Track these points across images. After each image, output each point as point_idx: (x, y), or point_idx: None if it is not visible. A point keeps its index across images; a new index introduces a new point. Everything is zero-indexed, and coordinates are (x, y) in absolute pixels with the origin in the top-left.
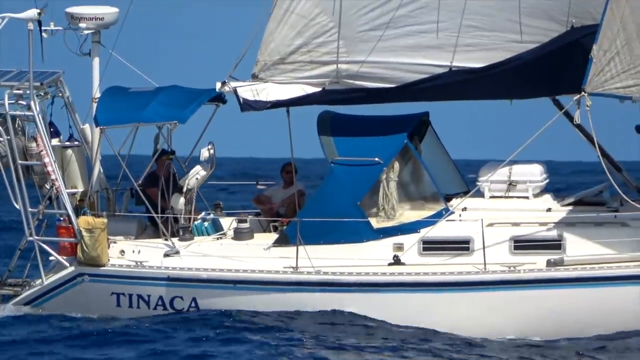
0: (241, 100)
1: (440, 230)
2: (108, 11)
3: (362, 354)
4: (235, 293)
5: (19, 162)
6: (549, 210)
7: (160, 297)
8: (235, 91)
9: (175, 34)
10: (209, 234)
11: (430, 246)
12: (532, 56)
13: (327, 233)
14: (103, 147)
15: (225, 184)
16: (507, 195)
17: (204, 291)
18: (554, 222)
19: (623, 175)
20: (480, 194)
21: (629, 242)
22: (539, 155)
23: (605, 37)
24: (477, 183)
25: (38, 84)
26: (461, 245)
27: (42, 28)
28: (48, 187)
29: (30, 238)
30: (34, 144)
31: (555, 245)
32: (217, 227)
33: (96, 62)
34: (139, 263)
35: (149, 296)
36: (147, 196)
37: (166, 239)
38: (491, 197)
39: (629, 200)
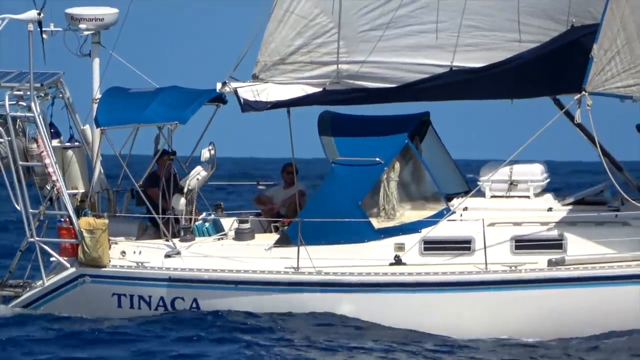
0: (242, 100)
1: (442, 230)
2: (108, 12)
3: (352, 355)
4: (237, 294)
5: (20, 163)
6: (550, 209)
7: (162, 298)
8: (235, 92)
9: (175, 34)
10: (209, 235)
11: (432, 246)
12: (532, 56)
13: (328, 233)
14: (103, 147)
15: (221, 184)
16: (508, 194)
17: (205, 292)
18: (555, 222)
19: (624, 175)
20: (481, 193)
21: (630, 242)
22: (538, 155)
23: (606, 37)
24: (478, 183)
25: (38, 85)
26: (462, 245)
27: (43, 29)
28: (49, 188)
29: (31, 239)
30: (34, 145)
31: (556, 244)
32: (218, 228)
33: (96, 62)
34: (140, 264)
35: (150, 297)
36: (148, 197)
37: (167, 240)
38: (492, 196)
39: (630, 200)
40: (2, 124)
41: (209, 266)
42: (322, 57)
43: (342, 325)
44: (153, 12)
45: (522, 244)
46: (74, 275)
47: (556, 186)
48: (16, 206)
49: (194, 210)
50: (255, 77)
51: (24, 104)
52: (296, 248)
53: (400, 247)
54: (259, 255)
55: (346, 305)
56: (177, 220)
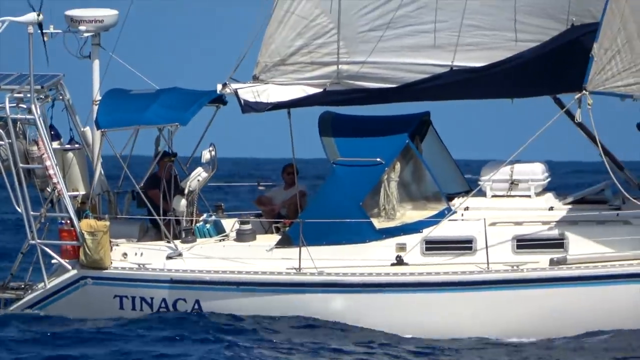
0: (242, 102)
1: (443, 230)
2: (108, 13)
3: (335, 357)
4: (239, 295)
5: (21, 165)
6: (551, 209)
7: (164, 300)
8: (236, 93)
9: (175, 35)
10: (211, 236)
11: (433, 246)
12: (532, 55)
13: (329, 234)
14: (103, 148)
15: (221, 184)
16: (509, 194)
17: (207, 293)
18: (556, 221)
19: (625, 174)
20: (482, 193)
21: (631, 240)
22: (537, 155)
23: (606, 36)
24: (479, 182)
25: (39, 87)
26: (464, 245)
27: (43, 31)
28: (49, 190)
29: (33, 241)
30: (35, 148)
31: (557, 244)
32: (219, 229)
33: (96, 64)
34: (141, 265)
35: (152, 299)
36: (148, 198)
37: (169, 241)
38: (493, 196)
39: (631, 198)
40: (2, 127)
41: (211, 267)
42: (322, 58)
43: (326, 327)
44: (153, 13)
45: (524, 244)
46: (76, 277)
47: (553, 186)
48: (17, 208)
49: (194, 212)
50: (255, 78)
51: (24, 106)
52: (297, 249)
53: (401, 247)
54: (261, 256)
55: (348, 305)
56: (178, 222)
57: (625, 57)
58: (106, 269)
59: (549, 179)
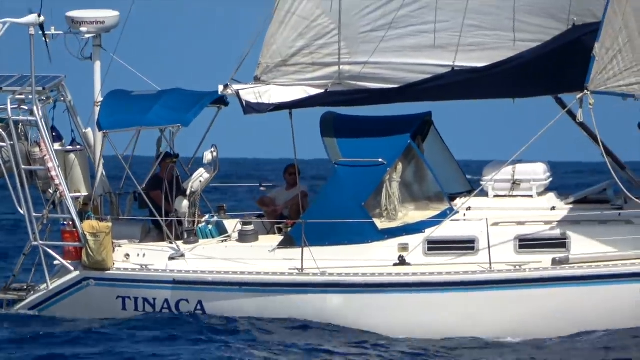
0: (244, 103)
1: (445, 230)
2: (109, 15)
3: (326, 358)
4: (241, 295)
5: (23, 167)
6: (553, 208)
7: (166, 300)
8: (237, 94)
9: (176, 36)
10: (213, 237)
11: (435, 246)
12: (534, 55)
13: (331, 234)
14: (105, 149)
15: (223, 185)
16: (511, 194)
17: (210, 294)
18: (558, 221)
19: (627, 173)
20: (484, 193)
21: (633, 240)
22: (537, 155)
23: (607, 35)
24: (481, 182)
25: (40, 88)
26: (466, 245)
27: (45, 32)
28: (51, 191)
29: (35, 243)
30: (37, 149)
31: (560, 243)
32: (221, 230)
33: (97, 65)
34: (144, 266)
35: (154, 299)
36: (150, 199)
37: (171, 242)
38: (495, 196)
39: (633, 198)
40: (4, 128)
41: (213, 268)
42: (324, 59)
43: (319, 328)
44: (154, 14)
45: (526, 243)
46: (78, 278)
47: (553, 187)
48: (19, 210)
49: (196, 213)
50: (257, 79)
51: (26, 107)
52: (300, 249)
53: (404, 247)
54: (263, 256)
55: (350, 306)
56: (180, 223)
57: (626, 57)
58: (109, 270)
59: (550, 179)
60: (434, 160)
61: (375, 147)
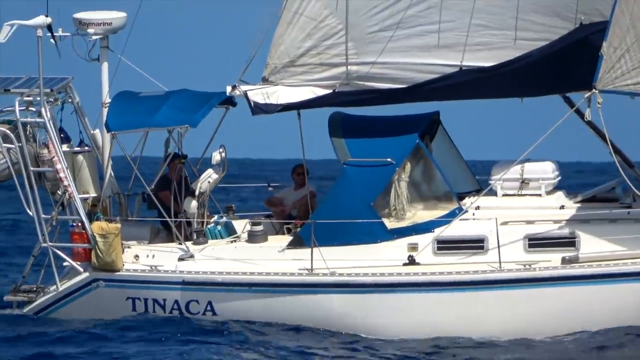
0: (252, 103)
1: (454, 230)
2: (116, 16)
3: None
4: (251, 296)
5: (31, 168)
6: (562, 207)
7: (176, 301)
8: (245, 95)
9: (183, 36)
10: (222, 237)
11: (445, 246)
12: (541, 54)
13: (341, 234)
14: (113, 150)
15: (230, 186)
16: (519, 193)
17: (220, 294)
18: (567, 220)
19: (635, 171)
20: (492, 192)
21: None
22: (541, 155)
23: (615, 34)
24: (490, 181)
25: (48, 90)
26: (475, 244)
27: (53, 33)
28: (60, 193)
29: (44, 244)
30: (45, 151)
31: (569, 242)
32: (230, 230)
33: (105, 67)
34: (153, 267)
35: (164, 300)
36: (159, 200)
37: (180, 243)
38: (504, 195)
39: None
40: (12, 130)
41: (223, 269)
42: (331, 59)
43: (310, 330)
44: (161, 15)
45: (535, 242)
46: (88, 279)
47: (557, 186)
48: (28, 212)
49: (205, 213)
50: (265, 80)
51: (34, 109)
52: (309, 249)
53: (413, 247)
54: (273, 257)
55: (360, 305)
56: (189, 224)
57: (634, 56)
58: (118, 271)
59: (559, 178)
60: (442, 160)
61: (383, 146)
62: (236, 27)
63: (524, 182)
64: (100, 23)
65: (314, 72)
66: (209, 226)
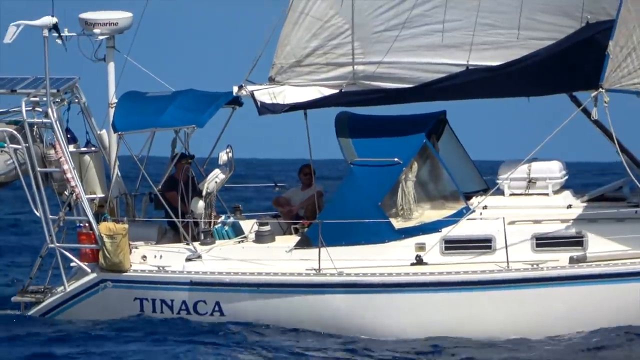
0: (259, 103)
1: (462, 229)
2: (122, 16)
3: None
4: (259, 296)
5: (38, 169)
6: (569, 206)
7: (184, 302)
8: (252, 95)
9: (190, 36)
10: (229, 238)
11: (452, 245)
12: (548, 53)
13: (348, 234)
14: (120, 150)
15: (236, 186)
16: (527, 192)
17: (227, 295)
18: (575, 219)
19: None
20: (500, 191)
21: None
22: (548, 154)
23: (621, 33)
24: (497, 181)
25: (55, 90)
26: (483, 244)
27: (60, 33)
28: (67, 193)
29: (52, 245)
30: (52, 151)
31: (577, 241)
32: (237, 231)
33: (111, 67)
34: (161, 268)
35: (172, 301)
36: (166, 200)
37: (187, 244)
38: (511, 194)
39: None
40: (19, 130)
41: (230, 269)
42: (338, 59)
43: (309, 331)
44: (167, 15)
45: (543, 242)
46: (96, 280)
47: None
48: (35, 212)
49: (212, 214)
50: (271, 80)
51: (41, 110)
52: (317, 249)
53: (421, 247)
54: (280, 257)
55: (368, 305)
56: (196, 224)
57: None
58: (126, 271)
59: (566, 177)
60: (449, 159)
61: (390, 146)
62: (242, 27)
63: (531, 182)
64: (107, 23)
65: (320, 72)
66: (216, 226)
